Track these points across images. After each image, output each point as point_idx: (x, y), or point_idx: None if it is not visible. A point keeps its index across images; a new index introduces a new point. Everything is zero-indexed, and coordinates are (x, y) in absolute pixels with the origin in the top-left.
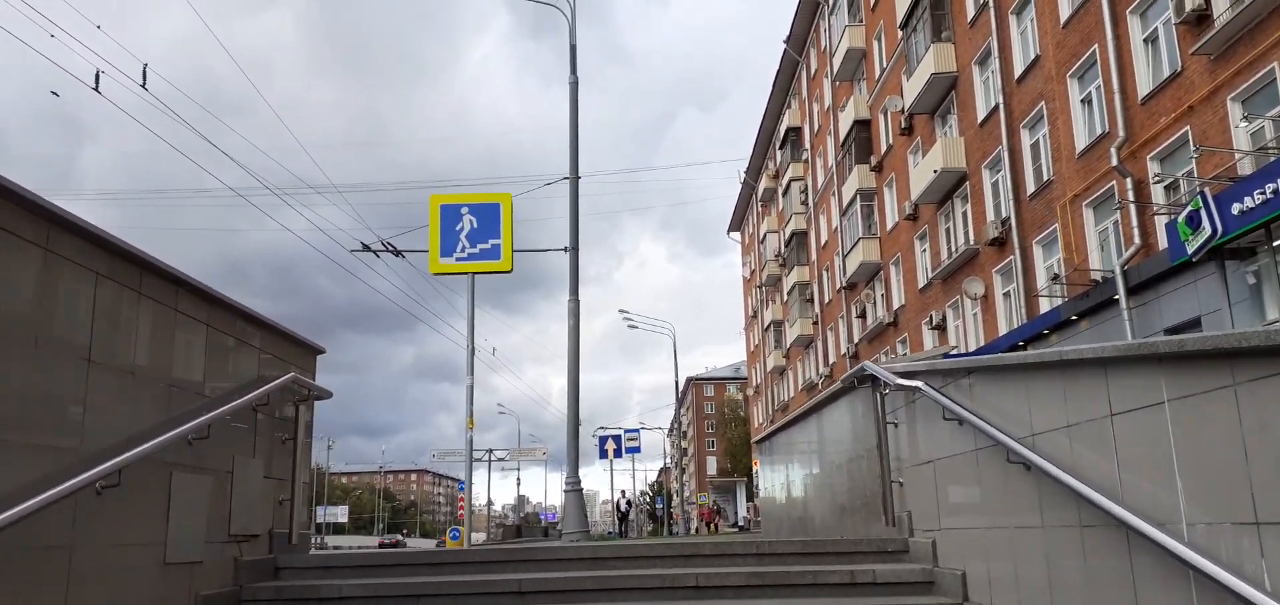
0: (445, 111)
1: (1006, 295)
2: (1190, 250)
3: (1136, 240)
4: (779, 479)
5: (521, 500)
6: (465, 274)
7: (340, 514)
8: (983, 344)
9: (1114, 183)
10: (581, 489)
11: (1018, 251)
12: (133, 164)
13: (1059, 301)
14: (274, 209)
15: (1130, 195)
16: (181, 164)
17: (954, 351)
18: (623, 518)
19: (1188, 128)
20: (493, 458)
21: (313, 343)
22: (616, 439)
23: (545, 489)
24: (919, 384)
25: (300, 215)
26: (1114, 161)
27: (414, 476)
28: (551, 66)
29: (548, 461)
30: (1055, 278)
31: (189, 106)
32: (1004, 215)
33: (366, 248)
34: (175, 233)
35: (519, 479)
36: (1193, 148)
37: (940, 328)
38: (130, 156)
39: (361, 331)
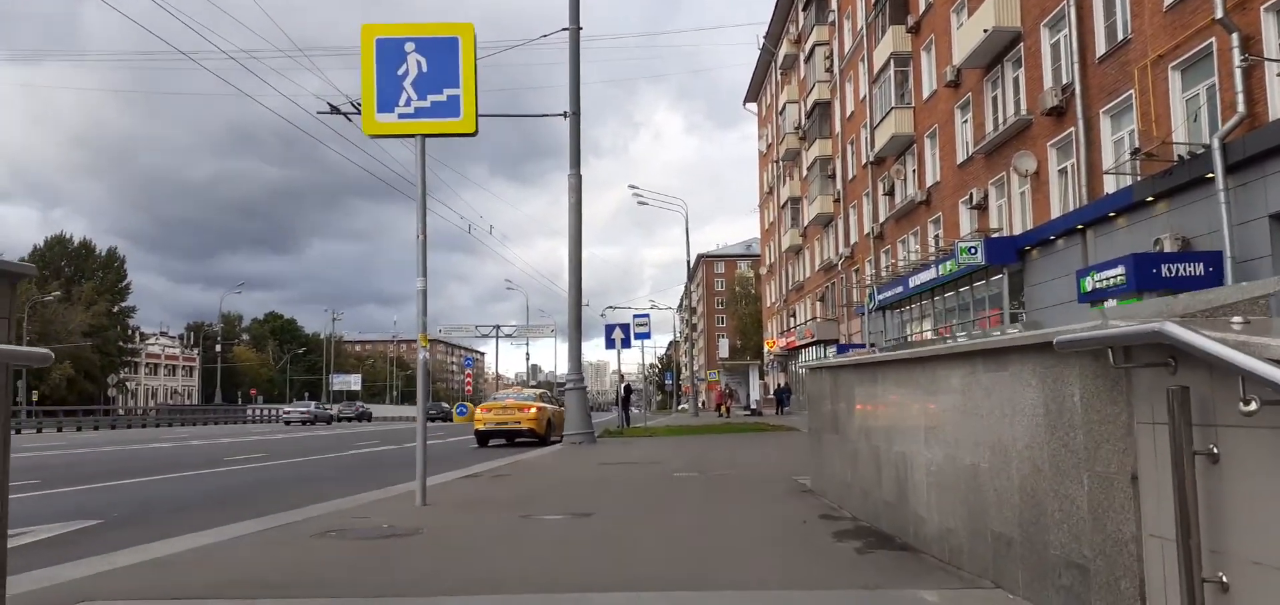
0: None
1: (1063, 172)
2: None
3: (1240, 109)
4: (859, 424)
5: (533, 370)
6: (411, 136)
7: (354, 382)
8: (1032, 227)
9: (1213, 39)
10: (584, 387)
11: (1081, 122)
12: (142, 22)
13: (1129, 180)
14: (284, 71)
15: (1238, 54)
16: (187, 28)
17: (1000, 235)
18: (623, 405)
19: None
20: (500, 332)
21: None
22: (624, 327)
23: (555, 359)
24: None
25: (310, 79)
26: (1218, 13)
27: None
28: None
29: (557, 333)
30: (1135, 152)
31: None
32: (1066, 81)
33: (334, 109)
34: (182, 98)
35: (528, 353)
36: None
37: (981, 207)
38: (136, 14)
39: (375, 200)
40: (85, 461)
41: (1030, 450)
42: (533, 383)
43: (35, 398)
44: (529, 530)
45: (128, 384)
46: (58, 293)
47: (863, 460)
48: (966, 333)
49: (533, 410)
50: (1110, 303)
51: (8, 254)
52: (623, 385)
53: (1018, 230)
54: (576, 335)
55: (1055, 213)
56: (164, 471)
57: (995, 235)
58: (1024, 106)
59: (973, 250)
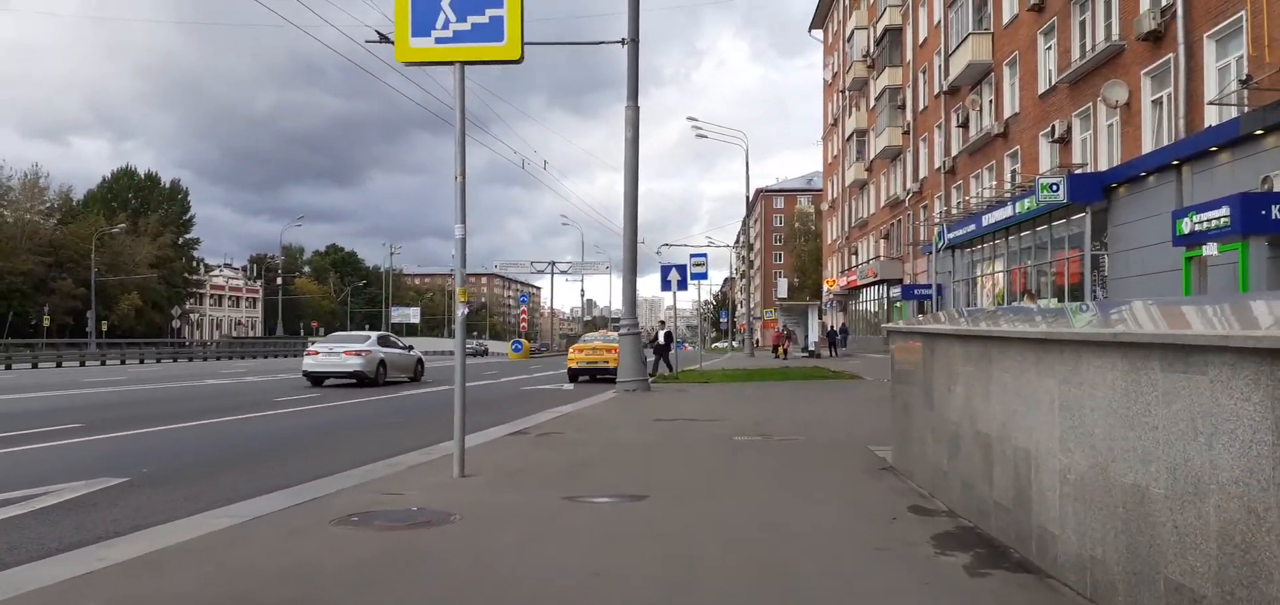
0: None
1: (1157, 103)
2: None
3: None
4: (962, 403)
5: (588, 304)
6: (449, 63)
7: (413, 315)
8: (1120, 162)
9: None
10: (638, 332)
11: (1181, 48)
12: None
13: (1235, 112)
14: (340, 3)
15: None
16: None
17: (1084, 171)
18: (660, 352)
19: None
20: (556, 268)
21: None
22: (681, 268)
23: (610, 294)
24: None
25: (368, 11)
26: None
27: (485, 279)
28: None
29: (612, 269)
30: (1244, 80)
31: None
32: (1166, 2)
33: (383, 38)
34: (245, 29)
35: (582, 289)
36: None
37: (1063, 140)
38: None
39: (435, 133)
40: (136, 400)
41: (1241, 487)
42: (588, 316)
43: (105, 328)
44: (573, 521)
45: (191, 315)
46: (124, 225)
47: (966, 447)
48: (1041, 274)
49: (618, 352)
50: (1210, 247)
51: (79, 186)
52: (661, 332)
53: (1103, 166)
54: (631, 278)
55: (1147, 147)
56: (211, 414)
57: (1079, 171)
58: (1116, 31)
59: (1054, 187)
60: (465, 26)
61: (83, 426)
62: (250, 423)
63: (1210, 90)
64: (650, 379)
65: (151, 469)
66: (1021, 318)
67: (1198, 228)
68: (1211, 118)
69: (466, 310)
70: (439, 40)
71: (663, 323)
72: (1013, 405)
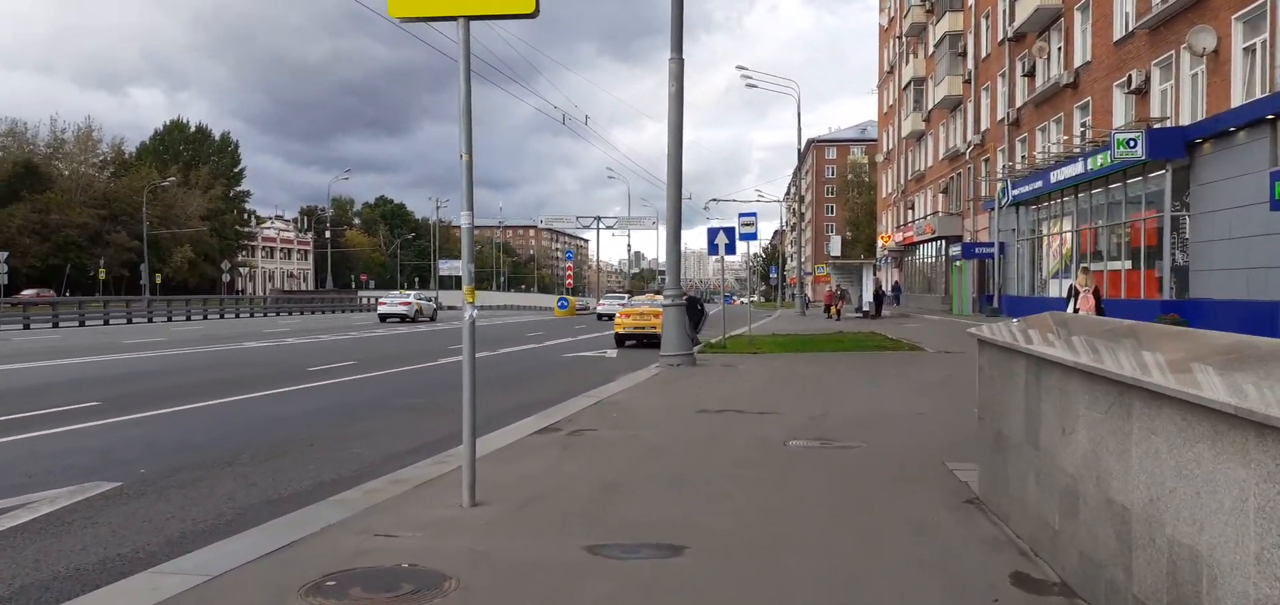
0: None
1: (1250, 51)
2: None
3: None
4: (1085, 457)
5: (636, 257)
6: (451, 18)
7: (460, 268)
8: (1205, 116)
9: None
10: (682, 303)
11: None
12: None
13: None
14: None
15: None
16: None
17: (1163, 125)
18: (695, 319)
19: None
20: (602, 223)
21: None
22: (728, 231)
23: (657, 246)
24: None
25: None
26: None
27: (532, 232)
28: None
29: (658, 223)
30: None
31: None
32: None
33: None
34: None
35: (629, 243)
36: None
37: (1140, 92)
38: None
39: (481, 82)
40: (166, 369)
41: None
42: (635, 269)
43: (159, 281)
44: (591, 594)
45: (242, 268)
46: (175, 178)
47: (1089, 512)
48: (1114, 235)
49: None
50: None
51: (131, 139)
52: (684, 298)
53: (1186, 120)
54: (675, 244)
55: (1237, 100)
56: (238, 389)
57: (1159, 125)
58: None
59: (1132, 142)
60: None
61: (100, 405)
62: (276, 401)
63: None
64: (696, 351)
65: (149, 470)
66: (1173, 358)
67: None
68: None
69: (474, 313)
70: None
71: (683, 292)
72: (1169, 482)
